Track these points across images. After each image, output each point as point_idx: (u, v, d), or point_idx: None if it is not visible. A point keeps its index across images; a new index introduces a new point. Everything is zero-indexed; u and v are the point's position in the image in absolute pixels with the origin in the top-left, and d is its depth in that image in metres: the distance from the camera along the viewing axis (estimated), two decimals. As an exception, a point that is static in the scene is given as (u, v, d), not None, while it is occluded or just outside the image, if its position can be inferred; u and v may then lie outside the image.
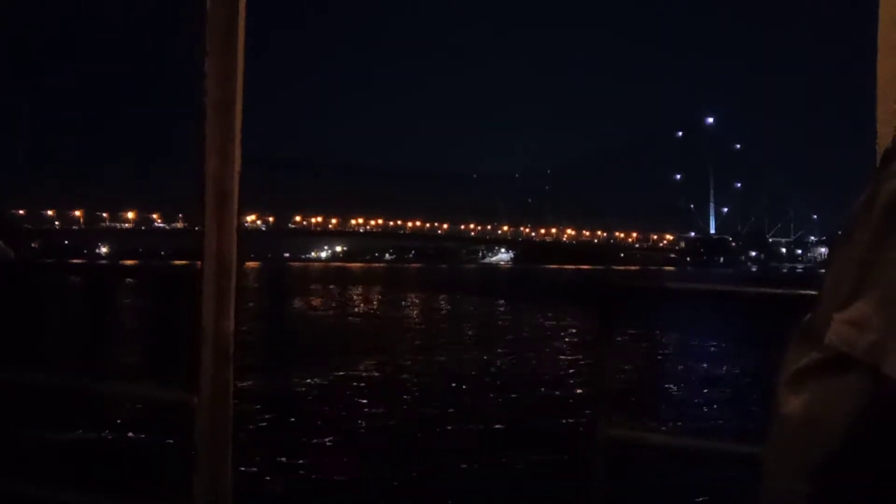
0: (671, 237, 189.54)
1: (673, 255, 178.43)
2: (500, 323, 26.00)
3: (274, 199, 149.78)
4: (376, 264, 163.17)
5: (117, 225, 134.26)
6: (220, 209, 1.79)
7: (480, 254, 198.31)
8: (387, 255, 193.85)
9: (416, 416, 9.43)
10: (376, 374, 13.22)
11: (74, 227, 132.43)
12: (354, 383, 11.93)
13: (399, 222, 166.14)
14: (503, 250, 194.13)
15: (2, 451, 6.56)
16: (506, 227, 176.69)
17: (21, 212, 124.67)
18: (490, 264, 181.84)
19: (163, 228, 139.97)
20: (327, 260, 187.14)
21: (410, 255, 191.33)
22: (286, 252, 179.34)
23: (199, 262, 1.83)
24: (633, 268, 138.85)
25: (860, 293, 0.70)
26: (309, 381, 12.00)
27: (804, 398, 0.73)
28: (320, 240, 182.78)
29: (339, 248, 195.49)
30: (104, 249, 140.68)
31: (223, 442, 1.82)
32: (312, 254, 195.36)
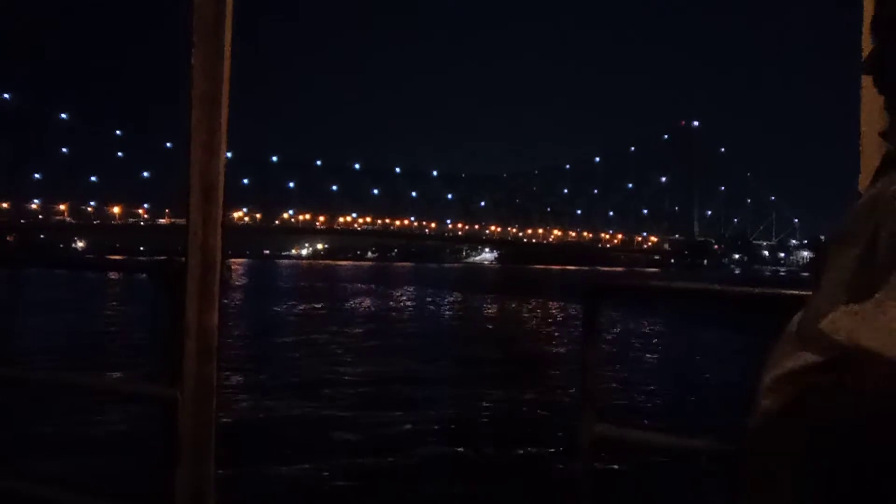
0: (655, 239, 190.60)
1: (657, 257, 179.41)
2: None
3: (263, 197, 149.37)
4: (364, 262, 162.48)
5: (69, 219, 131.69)
6: (206, 203, 1.78)
7: (464, 253, 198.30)
8: (369, 253, 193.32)
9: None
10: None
11: (52, 221, 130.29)
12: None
13: (387, 220, 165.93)
14: (487, 250, 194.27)
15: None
16: (494, 227, 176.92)
17: (5, 205, 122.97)
18: (475, 263, 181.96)
19: (142, 224, 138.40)
20: (309, 257, 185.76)
21: (393, 254, 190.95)
22: (266, 249, 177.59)
23: (184, 257, 1.82)
24: (617, 269, 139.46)
25: (865, 293, 0.71)
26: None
27: (795, 399, 0.73)
28: (301, 237, 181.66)
29: (320, 246, 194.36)
30: (80, 244, 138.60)
31: (206, 437, 1.81)
32: (293, 251, 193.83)
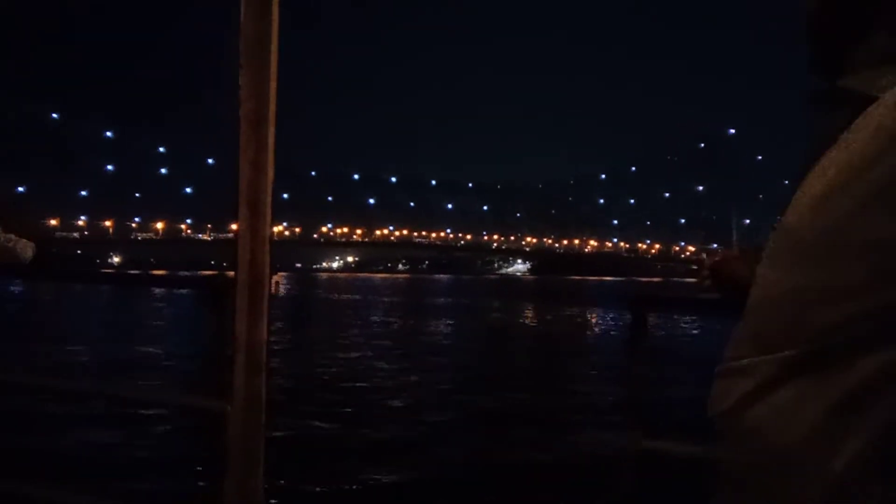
0: (693, 249, 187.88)
1: (695, 267, 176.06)
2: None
3: (302, 210, 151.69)
4: (399, 275, 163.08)
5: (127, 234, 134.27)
6: (254, 219, 1.82)
7: (496, 264, 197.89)
8: (400, 266, 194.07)
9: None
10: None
11: (81, 235, 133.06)
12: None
13: (423, 233, 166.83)
14: (520, 261, 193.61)
15: (40, 456, 6.68)
16: (529, 238, 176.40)
17: (54, 221, 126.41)
18: (508, 275, 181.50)
19: (183, 237, 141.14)
20: (340, 270, 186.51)
21: (424, 266, 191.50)
22: (297, 262, 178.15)
23: (233, 272, 1.86)
24: (655, 279, 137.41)
25: None
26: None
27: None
28: (333, 249, 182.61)
29: (350, 258, 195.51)
30: (116, 259, 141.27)
31: (255, 450, 1.84)
32: (324, 263, 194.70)
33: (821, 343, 0.68)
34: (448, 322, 29.60)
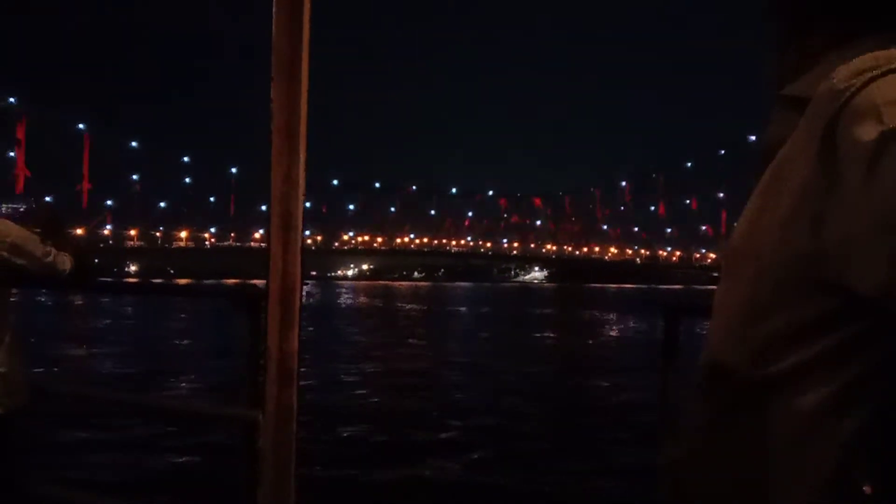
0: (714, 256, 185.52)
1: (716, 275, 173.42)
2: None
3: (324, 219, 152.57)
4: (419, 283, 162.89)
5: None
6: (286, 230, 1.85)
7: (513, 272, 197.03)
8: (416, 273, 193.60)
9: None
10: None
11: (122, 245, 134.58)
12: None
13: (444, 240, 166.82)
14: (536, 268, 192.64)
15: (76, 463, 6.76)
16: (549, 245, 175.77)
17: (80, 231, 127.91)
18: (527, 283, 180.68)
19: (203, 248, 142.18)
20: (355, 278, 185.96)
21: (440, 274, 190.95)
22: (313, 270, 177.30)
23: (264, 281, 1.89)
24: (676, 287, 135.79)
25: None
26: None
27: None
28: (348, 258, 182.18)
29: (365, 266, 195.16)
30: (133, 268, 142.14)
31: (287, 458, 1.86)
32: (339, 272, 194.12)
33: (759, 368, 0.63)
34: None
